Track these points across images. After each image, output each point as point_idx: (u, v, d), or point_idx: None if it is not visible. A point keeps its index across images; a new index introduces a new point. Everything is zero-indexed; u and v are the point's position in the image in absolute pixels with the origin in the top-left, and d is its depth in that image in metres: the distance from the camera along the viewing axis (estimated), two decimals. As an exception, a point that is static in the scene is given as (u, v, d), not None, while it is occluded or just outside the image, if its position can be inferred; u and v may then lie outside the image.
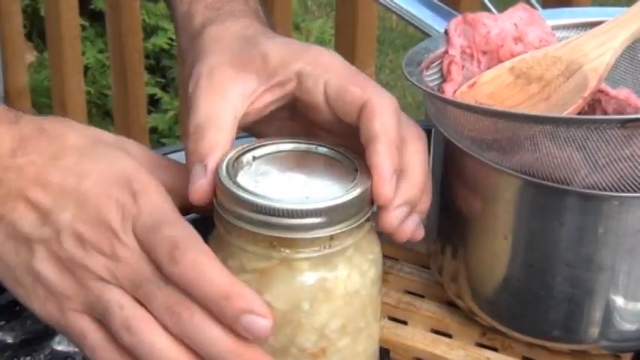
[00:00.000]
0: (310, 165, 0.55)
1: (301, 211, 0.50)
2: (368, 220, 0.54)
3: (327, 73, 0.58)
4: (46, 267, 0.53)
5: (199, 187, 0.54)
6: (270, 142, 0.56)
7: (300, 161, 0.55)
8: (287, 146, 0.56)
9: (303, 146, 0.56)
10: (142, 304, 0.51)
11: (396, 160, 0.55)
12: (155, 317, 0.51)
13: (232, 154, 0.54)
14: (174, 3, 0.69)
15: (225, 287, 0.49)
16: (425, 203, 0.60)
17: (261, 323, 0.49)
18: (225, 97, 0.57)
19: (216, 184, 0.53)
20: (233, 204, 0.51)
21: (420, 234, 0.59)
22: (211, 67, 0.59)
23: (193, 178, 0.55)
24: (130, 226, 0.52)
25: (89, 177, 0.54)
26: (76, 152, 0.55)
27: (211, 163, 0.54)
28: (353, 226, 0.52)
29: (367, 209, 0.53)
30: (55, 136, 0.56)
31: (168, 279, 0.50)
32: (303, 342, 0.53)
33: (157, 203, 0.53)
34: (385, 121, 0.55)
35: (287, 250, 0.51)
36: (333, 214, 0.51)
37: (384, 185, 0.54)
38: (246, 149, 0.55)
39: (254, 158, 0.55)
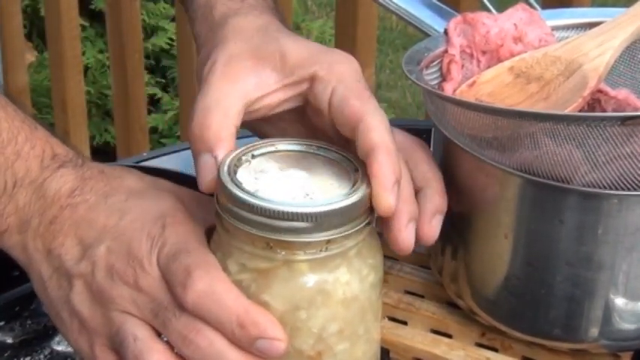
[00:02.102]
0: (310, 165, 0.55)
1: (297, 214, 0.50)
2: (369, 224, 0.53)
3: (337, 81, 0.58)
4: (80, 300, 0.55)
5: (212, 181, 0.54)
6: (270, 141, 0.56)
7: (299, 161, 0.55)
8: (286, 146, 0.56)
9: (303, 147, 0.56)
10: (162, 333, 0.52)
11: (397, 169, 0.54)
12: (173, 344, 0.52)
13: (234, 154, 0.54)
14: None
15: (240, 315, 0.50)
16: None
17: (275, 346, 0.50)
18: (237, 83, 0.57)
19: (217, 183, 0.53)
20: (231, 203, 0.51)
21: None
22: (230, 55, 0.59)
23: (204, 169, 0.54)
24: (155, 256, 0.53)
25: (130, 213, 0.55)
26: (127, 192, 0.57)
27: (221, 156, 0.54)
28: (350, 231, 0.51)
29: (367, 214, 0.53)
30: (112, 178, 0.58)
31: (184, 308, 0.51)
32: (300, 344, 0.53)
33: (182, 234, 0.54)
34: (382, 134, 0.55)
35: (284, 252, 0.51)
36: (329, 219, 0.50)
37: (386, 194, 0.53)
38: (246, 149, 0.55)
39: (253, 156, 0.55)
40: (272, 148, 0.55)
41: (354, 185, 0.53)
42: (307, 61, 0.58)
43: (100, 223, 0.55)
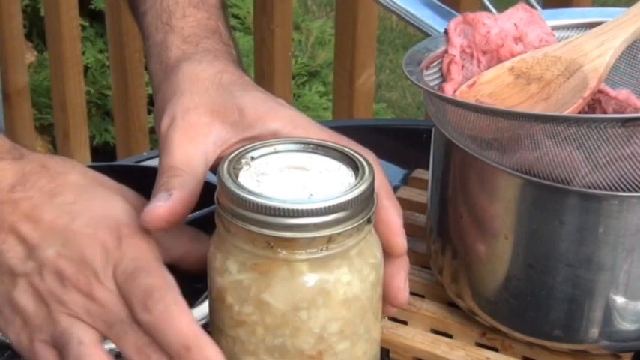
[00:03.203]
0: (310, 163, 0.55)
1: (298, 210, 0.50)
2: (369, 222, 0.53)
3: (304, 132, 0.59)
4: (24, 298, 0.55)
5: (155, 208, 0.54)
6: (268, 142, 0.56)
7: (299, 160, 0.55)
8: (285, 146, 0.56)
9: (301, 146, 0.56)
10: (116, 344, 0.54)
11: (400, 210, 0.57)
12: (126, 355, 0.53)
13: (232, 156, 0.54)
14: (147, 30, 0.69)
15: (189, 339, 0.51)
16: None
17: None
18: (198, 143, 0.58)
19: (217, 183, 0.53)
20: (231, 202, 0.51)
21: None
22: (187, 109, 0.60)
23: (152, 201, 0.55)
24: (111, 269, 0.54)
25: (81, 217, 0.55)
26: (74, 192, 0.57)
27: (176, 195, 0.55)
28: (351, 227, 0.51)
29: (367, 211, 0.53)
30: (56, 174, 0.57)
31: (139, 324, 0.52)
32: (300, 344, 0.52)
33: (140, 250, 0.54)
34: (379, 177, 0.56)
35: (284, 251, 0.51)
36: (331, 215, 0.50)
37: (400, 238, 0.56)
38: (244, 151, 0.55)
39: (252, 158, 0.55)
40: (271, 149, 0.55)
41: (355, 181, 0.53)
42: (266, 117, 0.60)
43: (46, 223, 0.55)
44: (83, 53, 2.34)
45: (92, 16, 2.61)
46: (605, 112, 0.67)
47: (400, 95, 3.05)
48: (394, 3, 0.73)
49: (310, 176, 0.53)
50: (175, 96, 0.61)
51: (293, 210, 0.49)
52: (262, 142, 0.56)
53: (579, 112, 0.63)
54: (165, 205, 0.54)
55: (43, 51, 2.59)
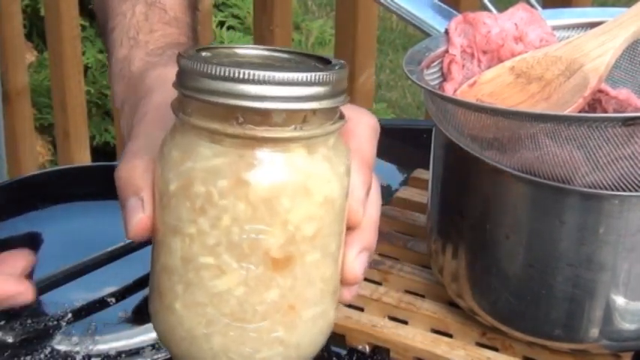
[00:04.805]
0: (276, 63, 0.50)
1: (274, 77, 0.44)
2: (342, 117, 0.48)
3: None
4: None
5: (139, 222, 0.50)
6: (228, 46, 0.51)
7: (264, 60, 0.50)
8: (247, 51, 0.51)
9: (265, 51, 0.51)
10: None
11: (368, 180, 0.51)
12: None
13: (188, 54, 0.47)
14: (111, 47, 0.67)
15: None
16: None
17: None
18: (168, 129, 0.55)
19: (178, 63, 0.48)
20: (197, 74, 0.46)
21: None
22: (159, 104, 0.56)
23: (130, 212, 0.51)
24: None
25: None
26: None
27: (147, 195, 0.50)
28: (329, 106, 0.46)
29: (343, 98, 0.47)
30: None
31: None
32: (269, 240, 0.47)
33: None
34: (362, 141, 0.52)
35: (255, 127, 0.45)
36: (308, 87, 0.45)
37: (355, 207, 0.50)
38: (202, 49, 0.49)
39: (213, 56, 0.49)
40: (230, 52, 0.50)
41: (329, 66, 0.48)
42: None
43: None
44: (83, 53, 2.34)
45: (92, 16, 2.60)
46: (606, 112, 0.67)
47: (400, 95, 3.05)
48: (394, 3, 0.73)
49: (280, 64, 0.49)
50: (146, 97, 0.58)
51: (266, 76, 0.44)
52: (221, 46, 0.51)
53: (580, 112, 0.63)
54: (145, 215, 0.50)
55: (43, 51, 2.59)
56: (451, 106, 0.62)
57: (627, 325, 0.62)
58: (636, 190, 0.57)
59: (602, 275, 0.60)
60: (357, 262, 0.51)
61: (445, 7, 0.73)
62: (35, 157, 2.20)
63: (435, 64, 0.68)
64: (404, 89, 3.04)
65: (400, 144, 1.03)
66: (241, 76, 0.44)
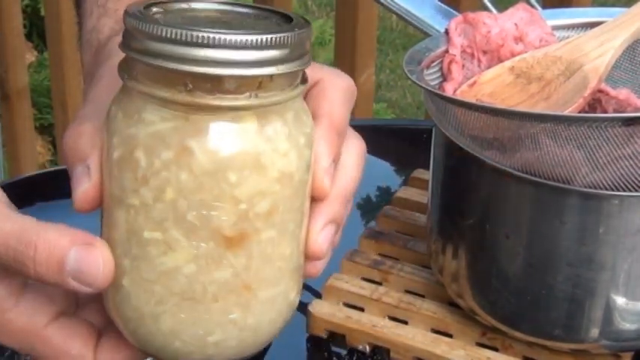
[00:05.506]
0: (234, 20, 0.46)
1: (224, 40, 0.41)
2: (304, 81, 0.45)
3: None
4: None
5: (84, 193, 0.47)
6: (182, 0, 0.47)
7: (221, 17, 0.46)
8: (204, 5, 0.47)
9: (224, 6, 0.47)
10: None
11: (335, 147, 0.48)
12: None
13: (136, 7, 0.44)
14: (82, 18, 0.64)
15: None
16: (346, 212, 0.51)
17: None
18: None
19: (124, 22, 0.44)
20: (142, 35, 0.42)
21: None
22: (114, 67, 0.50)
23: (76, 181, 0.47)
24: None
25: None
26: None
27: (94, 163, 0.47)
28: (287, 71, 0.43)
29: (304, 61, 0.44)
30: None
31: None
32: (219, 217, 0.43)
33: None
34: (333, 105, 0.49)
35: (205, 95, 0.42)
36: (263, 50, 0.41)
37: (320, 177, 0.47)
38: (154, 3, 0.45)
39: (166, 12, 0.45)
40: (185, 7, 0.46)
41: (289, 25, 0.44)
42: None
43: None
44: (83, 53, 2.33)
45: (92, 16, 2.60)
46: (606, 112, 0.67)
47: (400, 95, 3.05)
48: (394, 3, 0.73)
49: (238, 22, 0.45)
50: (105, 62, 0.54)
51: (216, 39, 0.41)
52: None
53: (580, 112, 0.63)
54: (91, 185, 0.47)
55: (43, 51, 2.59)
56: (451, 106, 0.62)
57: (627, 325, 0.62)
58: (636, 190, 0.57)
59: (602, 275, 0.60)
60: (321, 236, 0.48)
61: (445, 7, 0.73)
62: (35, 157, 2.20)
63: (435, 64, 0.68)
64: (404, 89, 3.04)
65: (400, 144, 1.03)
66: (189, 38, 0.40)
